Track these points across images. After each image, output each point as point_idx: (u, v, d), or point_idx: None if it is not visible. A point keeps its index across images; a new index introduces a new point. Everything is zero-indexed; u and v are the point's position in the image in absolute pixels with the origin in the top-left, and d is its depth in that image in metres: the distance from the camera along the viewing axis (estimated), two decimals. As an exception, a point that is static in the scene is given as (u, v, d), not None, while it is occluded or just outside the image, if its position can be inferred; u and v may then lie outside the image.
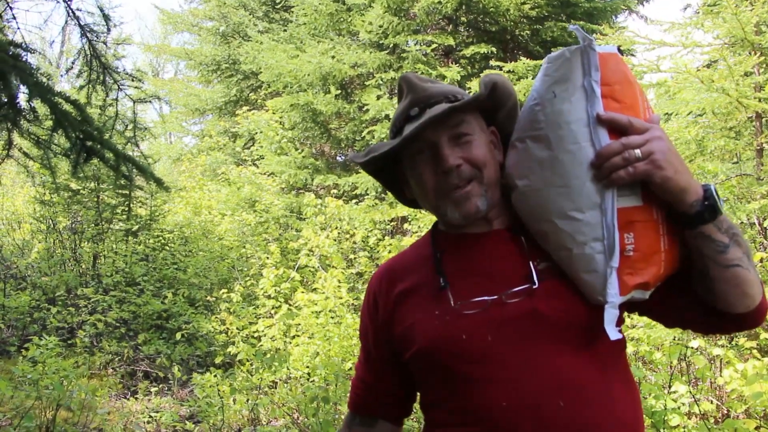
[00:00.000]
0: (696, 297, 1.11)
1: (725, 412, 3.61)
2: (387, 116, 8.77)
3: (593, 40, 1.03)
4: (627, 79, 1.04)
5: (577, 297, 1.08)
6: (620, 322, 1.12)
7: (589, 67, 1.02)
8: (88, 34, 3.42)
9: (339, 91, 9.67)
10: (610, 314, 1.02)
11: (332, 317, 5.32)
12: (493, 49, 8.73)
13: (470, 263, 1.17)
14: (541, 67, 1.10)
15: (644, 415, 3.00)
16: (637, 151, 0.98)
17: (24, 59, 2.50)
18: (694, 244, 1.04)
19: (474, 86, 8.12)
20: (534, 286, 1.09)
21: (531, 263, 1.11)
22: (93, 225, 7.76)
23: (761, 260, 4.11)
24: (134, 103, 3.76)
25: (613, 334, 1.02)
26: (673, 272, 1.08)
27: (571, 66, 1.04)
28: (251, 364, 5.08)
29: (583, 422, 1.04)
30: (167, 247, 8.11)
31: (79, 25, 3.42)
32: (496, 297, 1.10)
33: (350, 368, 4.72)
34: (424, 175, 1.17)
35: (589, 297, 1.07)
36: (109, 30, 3.52)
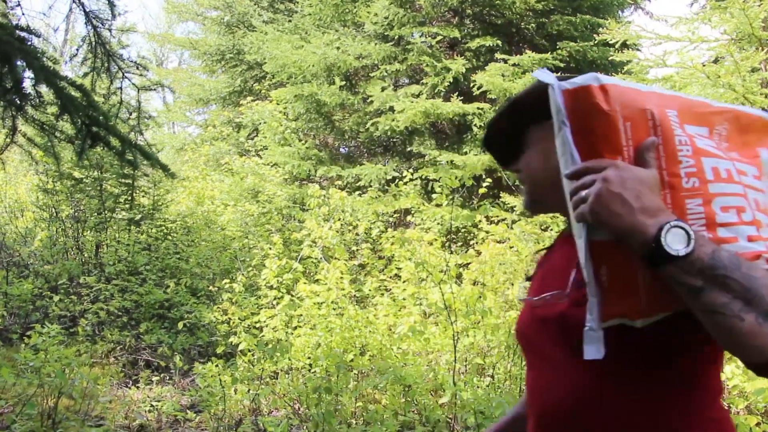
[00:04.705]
0: None
1: (726, 408, 3.60)
2: (391, 108, 8.74)
3: (553, 82, 1.03)
4: (598, 111, 1.02)
5: None
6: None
7: (557, 105, 1.04)
8: (93, 21, 3.41)
9: (343, 83, 9.65)
10: (588, 336, 1.01)
11: (334, 308, 5.32)
12: (499, 42, 8.69)
13: (549, 262, 1.27)
14: None
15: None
16: (584, 192, 0.97)
17: (29, 43, 2.48)
18: (670, 284, 0.92)
19: (479, 79, 8.09)
20: (565, 292, 1.13)
21: (573, 269, 1.13)
22: (96, 214, 7.77)
23: None
24: (138, 91, 3.75)
25: (587, 352, 1.00)
26: (675, 308, 0.97)
27: (552, 100, 1.06)
28: (253, 355, 5.08)
29: (571, 425, 1.08)
30: (170, 237, 8.12)
31: (84, 11, 3.41)
32: (535, 297, 1.19)
33: (352, 359, 4.71)
34: None
35: None
36: (114, 17, 3.51)
